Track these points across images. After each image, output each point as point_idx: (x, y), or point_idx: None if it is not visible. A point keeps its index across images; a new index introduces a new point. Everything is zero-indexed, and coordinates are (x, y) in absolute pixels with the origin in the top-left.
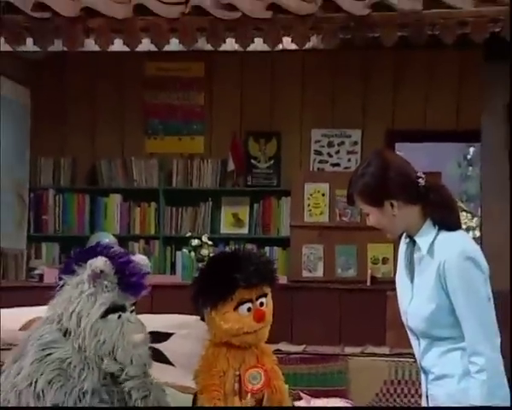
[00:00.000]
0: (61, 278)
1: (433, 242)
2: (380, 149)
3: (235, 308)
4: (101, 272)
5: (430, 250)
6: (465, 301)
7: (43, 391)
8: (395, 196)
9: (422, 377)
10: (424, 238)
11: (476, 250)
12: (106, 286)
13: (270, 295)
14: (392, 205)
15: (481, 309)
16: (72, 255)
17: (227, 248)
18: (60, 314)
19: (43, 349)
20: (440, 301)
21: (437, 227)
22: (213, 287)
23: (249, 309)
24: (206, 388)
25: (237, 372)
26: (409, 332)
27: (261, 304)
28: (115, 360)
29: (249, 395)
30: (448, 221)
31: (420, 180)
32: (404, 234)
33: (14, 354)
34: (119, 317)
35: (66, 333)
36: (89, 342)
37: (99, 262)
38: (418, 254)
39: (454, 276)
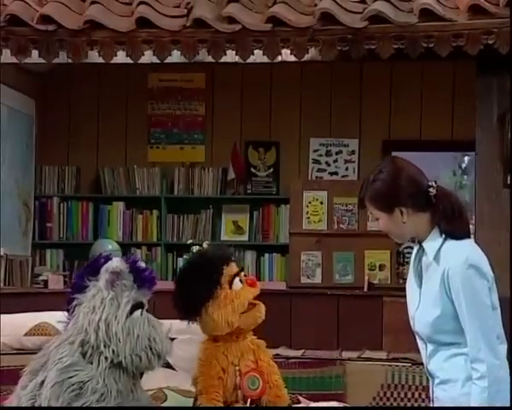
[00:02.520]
0: (73, 299)
1: (439, 248)
2: (393, 157)
3: (230, 287)
4: (120, 271)
5: (437, 257)
6: (468, 309)
7: None
8: (405, 204)
9: (430, 381)
10: (431, 244)
11: (481, 259)
12: (125, 285)
13: None
14: (401, 212)
15: (483, 317)
16: (78, 274)
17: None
18: (83, 330)
19: (63, 373)
20: (444, 307)
21: (444, 235)
22: (203, 279)
23: (241, 281)
24: (205, 389)
25: (237, 367)
26: (416, 337)
27: (245, 275)
28: (151, 351)
29: (249, 400)
30: (455, 231)
31: (431, 189)
32: (417, 240)
33: (33, 366)
34: (141, 313)
35: (87, 352)
36: (123, 344)
37: (115, 263)
38: (426, 260)
39: (457, 283)
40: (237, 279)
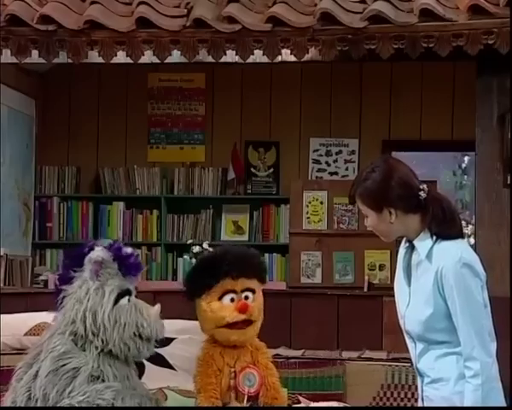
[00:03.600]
0: (60, 290)
1: (432, 247)
2: (387, 156)
3: (220, 298)
4: (102, 260)
5: (429, 255)
6: (461, 308)
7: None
8: (394, 205)
9: (418, 379)
10: (423, 243)
11: (474, 258)
12: (109, 274)
13: (259, 293)
14: (390, 212)
15: (477, 316)
16: (64, 265)
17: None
18: (71, 321)
19: (57, 360)
20: (437, 306)
21: (434, 237)
22: (200, 276)
23: (232, 300)
24: (203, 387)
25: (232, 369)
26: (405, 335)
27: (246, 297)
28: (141, 338)
29: (246, 397)
30: (446, 234)
31: (421, 193)
32: (404, 238)
33: (26, 359)
34: (129, 300)
35: (78, 342)
36: (111, 332)
37: (98, 252)
38: (416, 258)
39: (451, 282)
40: (229, 296)
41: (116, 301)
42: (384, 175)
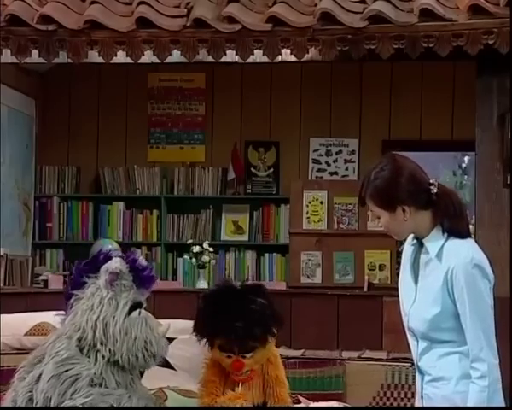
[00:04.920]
0: (71, 295)
1: (442, 246)
2: (393, 154)
3: (220, 347)
4: (120, 271)
5: (439, 254)
6: (470, 309)
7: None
8: (407, 202)
9: (418, 377)
10: (433, 242)
11: (484, 259)
12: (124, 286)
13: (261, 350)
14: (404, 210)
15: (485, 317)
16: (77, 269)
17: (232, 281)
18: (81, 328)
19: (59, 366)
20: (444, 305)
21: (446, 234)
22: (201, 322)
23: (230, 356)
24: (206, 383)
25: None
26: (408, 333)
27: (243, 356)
28: (147, 352)
29: (240, 384)
30: (457, 229)
31: (432, 187)
32: (411, 235)
33: (30, 360)
34: (139, 313)
35: (84, 348)
36: (120, 344)
37: (116, 263)
38: (425, 256)
39: (461, 282)
40: (226, 354)
41: (128, 313)
42: (393, 173)
